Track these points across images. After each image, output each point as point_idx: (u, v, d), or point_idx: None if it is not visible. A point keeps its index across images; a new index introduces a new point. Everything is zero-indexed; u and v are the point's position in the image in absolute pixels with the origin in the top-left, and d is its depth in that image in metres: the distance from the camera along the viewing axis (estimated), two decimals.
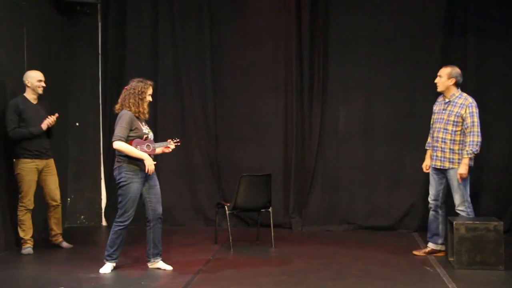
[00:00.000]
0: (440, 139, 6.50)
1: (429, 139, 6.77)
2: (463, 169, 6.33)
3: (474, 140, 6.31)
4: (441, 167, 6.51)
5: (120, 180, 5.88)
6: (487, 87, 7.98)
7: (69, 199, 8.59)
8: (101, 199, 8.72)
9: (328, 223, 8.29)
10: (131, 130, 5.86)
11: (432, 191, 6.67)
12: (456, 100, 6.45)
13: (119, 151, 5.88)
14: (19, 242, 6.85)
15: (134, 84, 5.98)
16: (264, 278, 5.80)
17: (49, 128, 6.85)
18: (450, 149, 6.45)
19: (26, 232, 6.78)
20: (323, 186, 8.34)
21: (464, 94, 6.50)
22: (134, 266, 6.22)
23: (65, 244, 7.09)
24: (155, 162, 5.95)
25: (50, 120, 6.80)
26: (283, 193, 8.36)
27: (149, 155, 5.89)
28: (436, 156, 6.55)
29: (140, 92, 5.94)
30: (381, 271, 6.05)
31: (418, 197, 7.95)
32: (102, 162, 8.68)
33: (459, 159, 6.40)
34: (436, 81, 6.57)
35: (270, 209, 7.16)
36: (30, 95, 6.84)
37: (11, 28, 7.13)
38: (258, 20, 8.46)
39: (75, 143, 8.65)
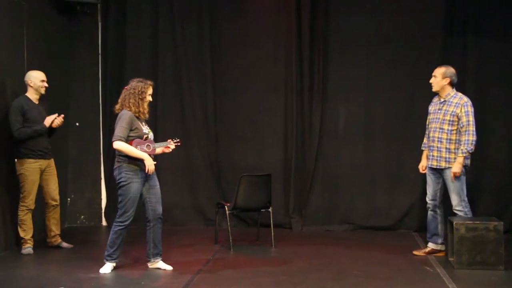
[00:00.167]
0: (436, 139, 6.51)
1: (425, 140, 6.79)
2: (457, 167, 6.34)
3: (469, 139, 6.32)
4: (438, 167, 6.52)
5: (120, 180, 5.88)
6: (487, 87, 7.99)
7: (69, 199, 8.59)
8: (101, 199, 8.72)
9: (328, 223, 8.29)
10: (131, 130, 5.86)
11: (429, 191, 6.68)
12: (451, 100, 6.47)
13: (119, 151, 5.88)
14: (19, 242, 6.85)
15: (134, 84, 5.98)
16: (264, 278, 5.80)
17: (53, 128, 6.87)
18: (446, 148, 6.45)
19: (27, 232, 6.78)
20: (323, 186, 8.35)
21: (459, 94, 6.51)
22: (134, 266, 6.22)
23: (65, 244, 7.09)
24: (155, 162, 5.95)
25: (57, 121, 6.83)
26: (283, 193, 8.36)
27: (149, 155, 5.89)
28: (433, 155, 6.55)
29: (140, 92, 5.94)
30: (381, 271, 6.05)
31: (418, 197, 7.94)
32: (102, 162, 8.68)
33: (455, 158, 6.41)
34: (431, 81, 6.58)
35: (270, 209, 7.16)
36: (32, 95, 6.85)
37: (11, 28, 7.13)
38: (258, 20, 8.46)
39: (75, 143, 8.65)
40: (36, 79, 6.84)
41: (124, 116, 5.87)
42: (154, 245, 6.07)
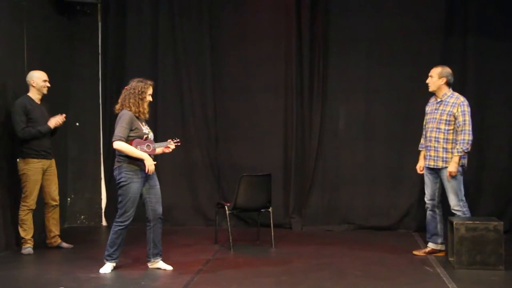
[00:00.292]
0: (433, 139, 6.51)
1: (422, 140, 6.80)
2: (452, 167, 6.34)
3: (465, 138, 6.33)
4: (435, 167, 6.52)
5: (120, 180, 5.88)
6: (487, 87, 7.99)
7: (69, 199, 8.59)
8: (101, 199, 8.72)
9: (328, 223, 8.28)
10: (131, 130, 5.86)
11: (427, 191, 6.68)
12: (448, 99, 6.47)
13: (119, 151, 5.88)
14: (19, 242, 6.85)
15: (134, 84, 5.98)
16: (264, 278, 5.80)
17: (55, 128, 6.87)
18: (443, 148, 6.46)
19: (27, 232, 6.78)
20: (323, 186, 8.35)
21: (456, 93, 6.52)
22: (134, 266, 6.22)
23: (65, 245, 7.09)
24: (155, 162, 5.95)
25: (59, 119, 6.84)
26: (283, 193, 8.36)
27: (149, 155, 5.89)
28: (430, 155, 6.56)
29: (140, 92, 5.94)
30: (381, 271, 6.05)
31: (418, 197, 7.93)
32: (102, 162, 8.69)
33: (452, 158, 6.40)
34: (427, 81, 6.59)
35: (270, 209, 7.16)
36: (35, 95, 6.85)
37: (11, 28, 7.13)
38: (258, 20, 8.46)
39: (75, 143, 8.65)
40: (38, 79, 6.85)
41: (124, 116, 5.87)
42: (154, 245, 6.07)
